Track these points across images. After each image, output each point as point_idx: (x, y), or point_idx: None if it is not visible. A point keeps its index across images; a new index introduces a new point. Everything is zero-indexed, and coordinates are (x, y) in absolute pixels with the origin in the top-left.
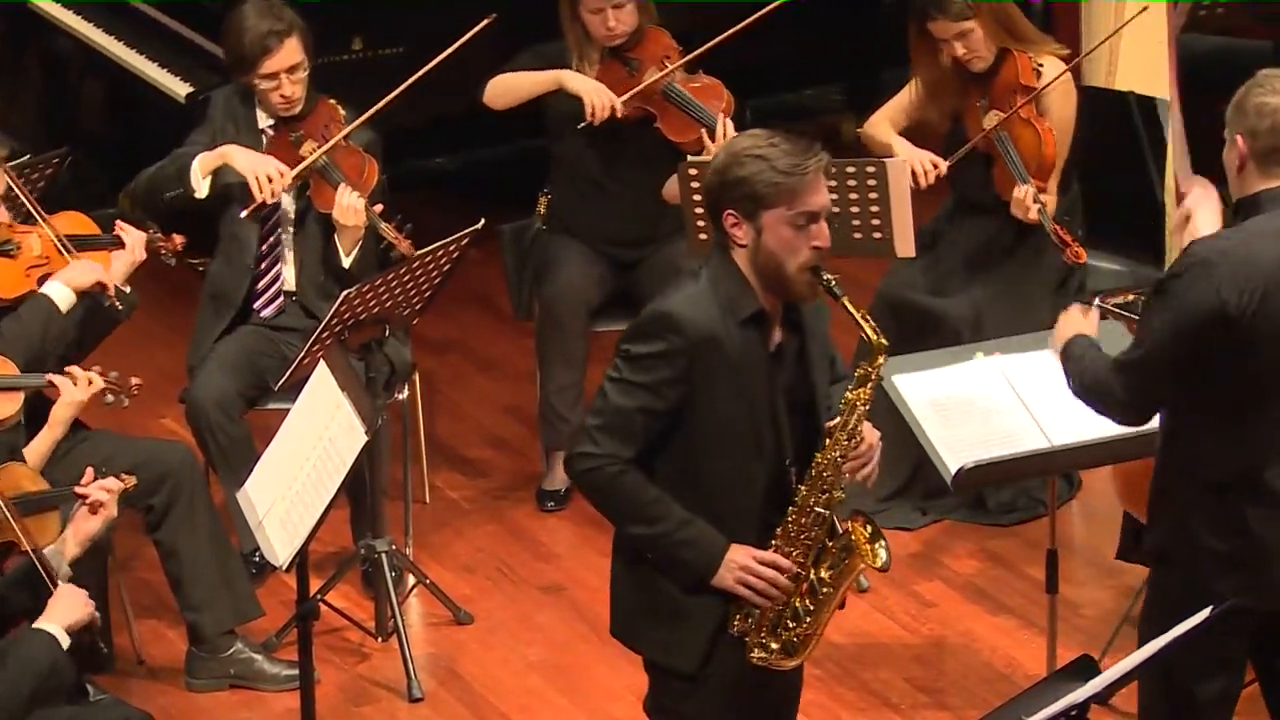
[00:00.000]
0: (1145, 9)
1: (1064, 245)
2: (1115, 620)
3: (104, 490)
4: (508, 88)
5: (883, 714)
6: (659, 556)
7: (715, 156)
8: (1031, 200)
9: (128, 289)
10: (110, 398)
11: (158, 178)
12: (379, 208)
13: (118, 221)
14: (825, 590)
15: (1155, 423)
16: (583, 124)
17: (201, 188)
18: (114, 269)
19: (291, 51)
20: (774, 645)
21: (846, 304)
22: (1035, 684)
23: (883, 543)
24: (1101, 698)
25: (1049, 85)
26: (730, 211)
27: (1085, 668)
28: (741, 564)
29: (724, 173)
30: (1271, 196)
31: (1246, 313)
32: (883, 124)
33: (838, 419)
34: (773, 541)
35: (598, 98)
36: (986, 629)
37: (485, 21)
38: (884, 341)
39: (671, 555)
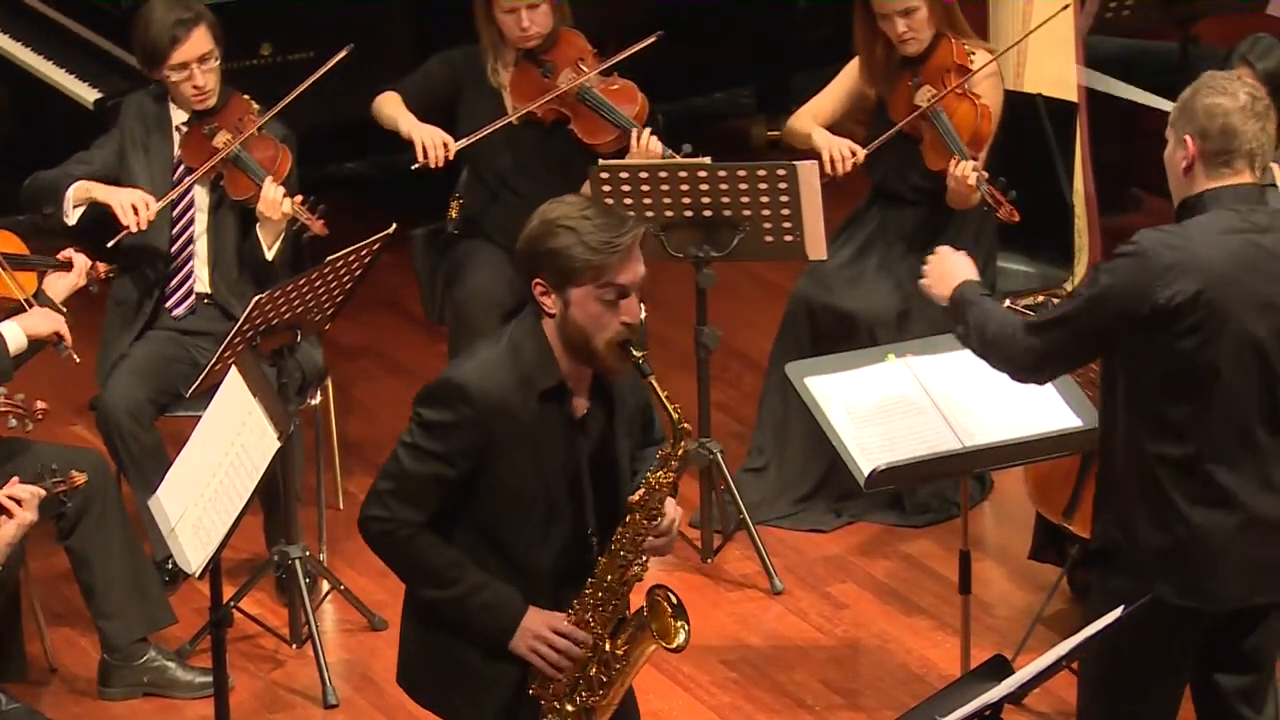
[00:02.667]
0: (1066, 7)
1: (998, 205)
2: (1028, 620)
3: (21, 492)
4: (378, 111)
5: (797, 715)
6: (455, 620)
7: (530, 223)
8: (971, 171)
9: (64, 310)
10: (14, 421)
11: (48, 185)
12: (298, 198)
13: (66, 251)
14: (618, 665)
15: (1086, 421)
16: (416, 165)
17: (73, 216)
18: (55, 289)
19: (200, 40)
20: (569, 708)
21: (653, 383)
22: (949, 684)
23: (684, 623)
24: (1015, 697)
25: (985, 66)
26: (539, 281)
27: (999, 667)
28: (536, 633)
29: (536, 241)
30: (1215, 196)
31: (1180, 308)
32: (804, 117)
33: (639, 494)
34: (570, 609)
35: (428, 142)
36: (901, 630)
37: (341, 54)
38: (686, 427)
39: (467, 620)
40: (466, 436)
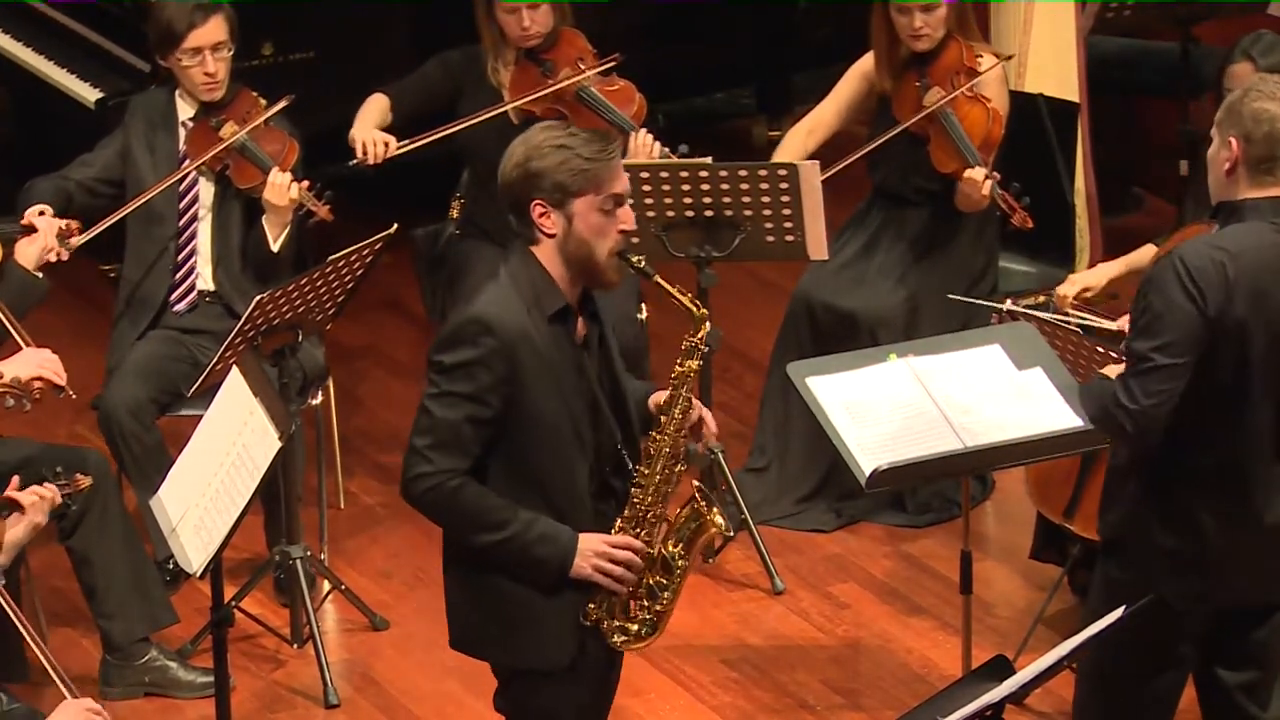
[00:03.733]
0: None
1: (1011, 211)
2: (1029, 620)
3: (31, 494)
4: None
5: (798, 715)
6: (512, 560)
7: (510, 152)
8: (984, 178)
9: (40, 275)
10: (11, 402)
11: (27, 198)
12: (305, 183)
13: (28, 212)
14: (680, 563)
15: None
16: (353, 162)
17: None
18: (26, 254)
19: (217, 28)
20: (632, 627)
21: (660, 280)
22: (951, 684)
23: (718, 508)
24: (1017, 697)
25: (993, 67)
26: (539, 201)
27: (1000, 667)
28: (596, 550)
29: (526, 165)
30: (1255, 206)
31: (1216, 316)
32: (799, 133)
33: (667, 393)
34: (617, 523)
35: (367, 140)
36: (902, 630)
37: (282, 103)
38: (704, 312)
39: (525, 556)
40: (494, 369)
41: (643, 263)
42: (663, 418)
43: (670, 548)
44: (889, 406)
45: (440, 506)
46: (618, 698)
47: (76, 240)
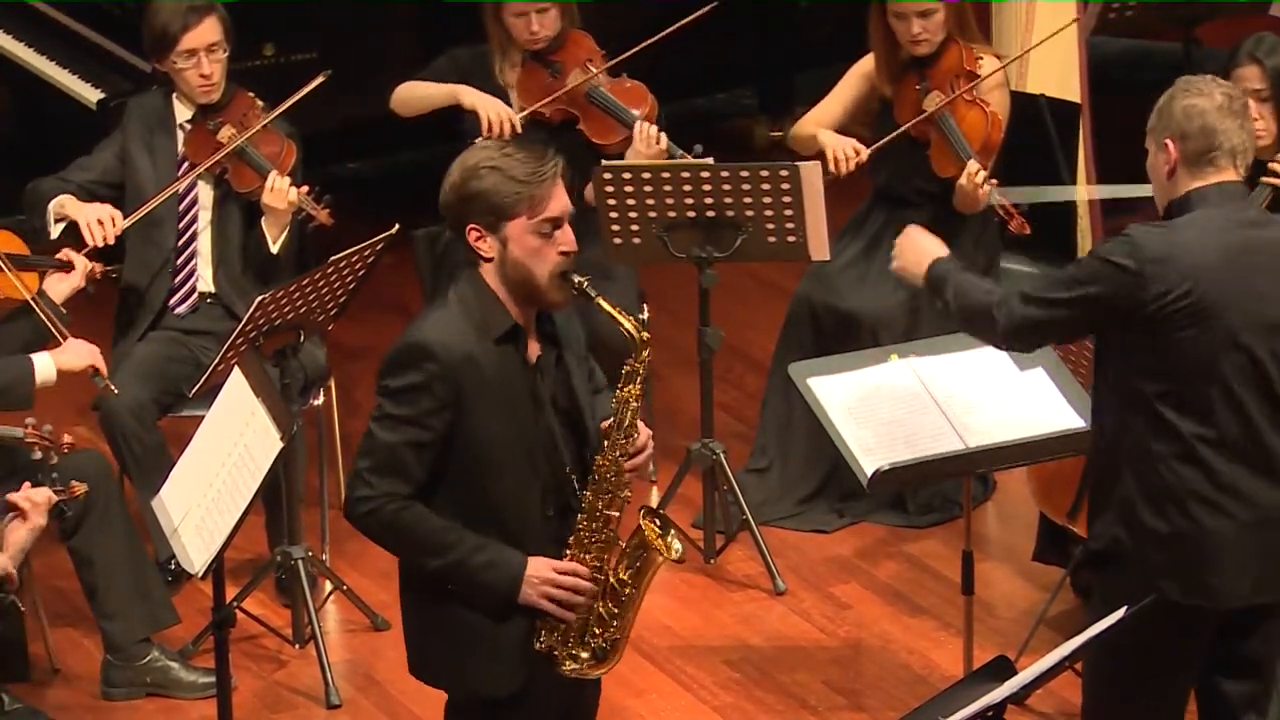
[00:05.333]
0: (1076, 20)
1: (1009, 216)
2: (1031, 621)
3: (30, 499)
4: (408, 98)
5: (800, 716)
6: (459, 585)
7: (450, 174)
8: (980, 177)
9: (64, 310)
10: (39, 454)
11: (37, 196)
12: (304, 188)
13: (65, 249)
14: (628, 591)
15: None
16: (482, 138)
17: (54, 230)
18: (57, 290)
19: (211, 29)
20: (583, 654)
21: (602, 303)
22: (952, 685)
23: (674, 532)
24: (1018, 698)
25: (994, 73)
26: (473, 226)
27: (1002, 668)
28: (543, 577)
29: (461, 189)
30: (1201, 195)
31: (1172, 303)
32: (809, 123)
33: (611, 419)
34: (566, 550)
35: (494, 113)
36: (903, 631)
37: (319, 79)
38: (645, 335)
39: (471, 581)
40: (436, 395)
41: (585, 285)
42: (605, 442)
43: (621, 574)
44: (891, 407)
45: (381, 529)
46: (618, 698)
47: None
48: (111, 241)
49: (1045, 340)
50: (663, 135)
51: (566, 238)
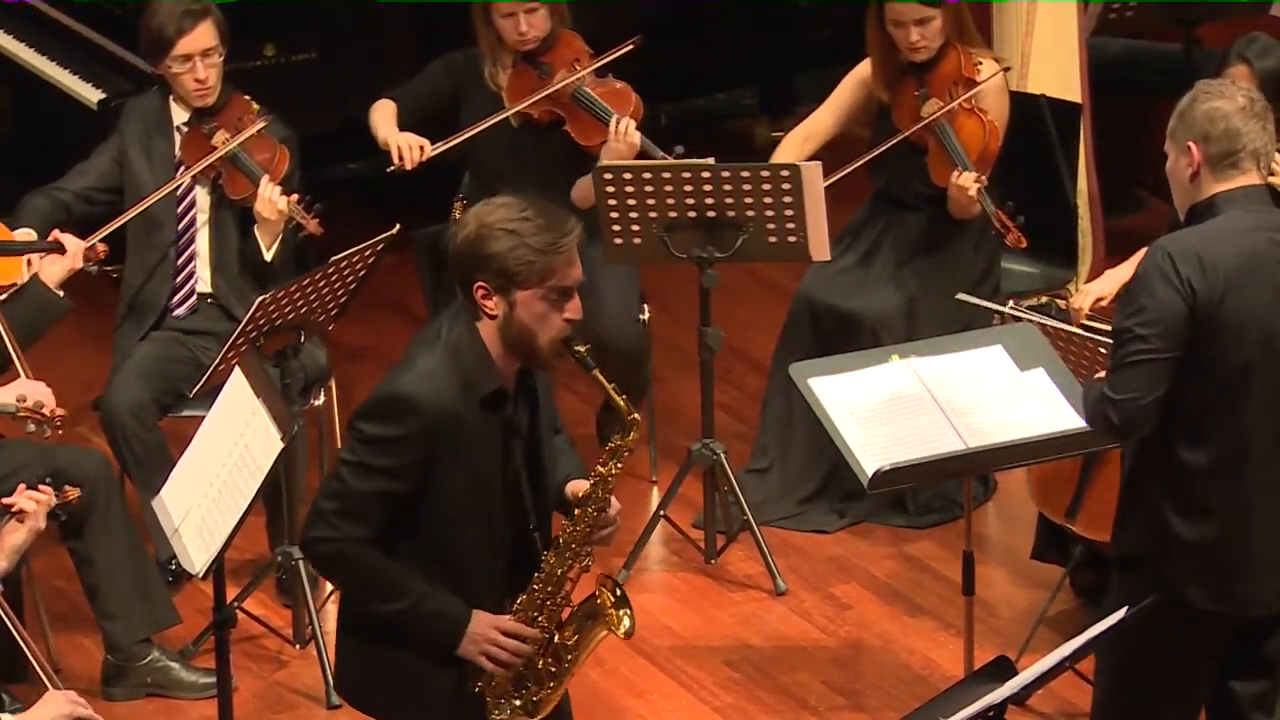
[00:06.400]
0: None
1: (1006, 230)
2: (1031, 621)
3: (30, 500)
4: (370, 121)
5: (800, 716)
6: (403, 630)
7: (463, 222)
8: (973, 183)
9: (60, 293)
10: (32, 426)
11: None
12: (294, 196)
13: (55, 231)
14: (569, 656)
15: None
16: (391, 169)
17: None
18: (50, 273)
19: (206, 34)
20: (516, 702)
21: (598, 375)
22: (953, 685)
23: (628, 610)
24: (1019, 698)
25: (990, 79)
26: (481, 284)
27: (1002, 668)
28: (485, 636)
29: (475, 245)
30: (1228, 198)
31: (1209, 309)
32: (795, 139)
33: (587, 488)
34: (515, 606)
35: (403, 146)
36: (903, 631)
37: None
38: (636, 417)
39: (415, 629)
40: (413, 449)
41: (585, 354)
42: (577, 511)
43: (566, 637)
44: (891, 407)
45: (339, 570)
46: (618, 698)
47: (98, 259)
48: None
49: (1153, 398)
50: (637, 133)
51: (574, 306)
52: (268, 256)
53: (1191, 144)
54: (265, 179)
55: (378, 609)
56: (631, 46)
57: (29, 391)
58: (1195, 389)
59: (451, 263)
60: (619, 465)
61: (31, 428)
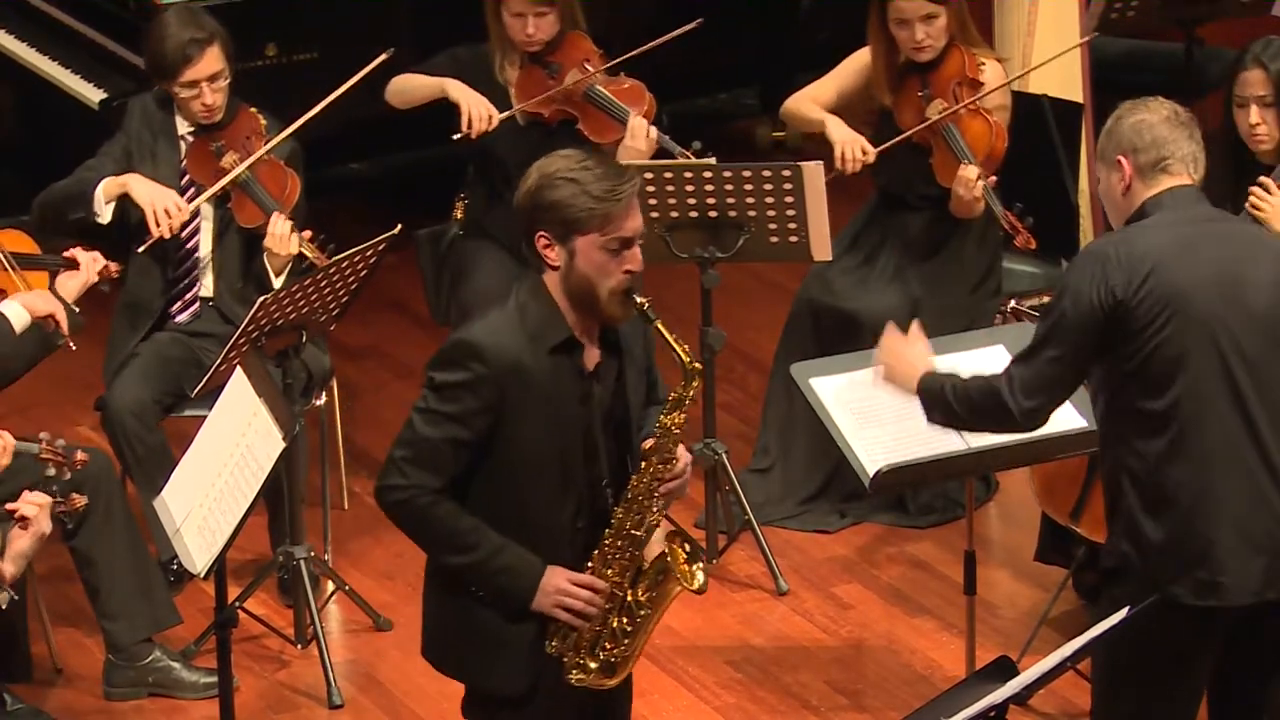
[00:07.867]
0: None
1: (1015, 231)
2: (1033, 621)
3: (33, 505)
4: (401, 89)
5: (802, 716)
6: (476, 584)
7: (526, 175)
8: (976, 178)
9: (77, 309)
10: (52, 470)
11: (66, 195)
12: (307, 234)
13: (72, 249)
14: (642, 612)
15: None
16: (458, 135)
17: (105, 213)
18: (66, 288)
19: (213, 60)
20: (592, 665)
21: (660, 327)
22: (954, 685)
23: (700, 565)
24: (1020, 698)
25: (1003, 86)
26: (543, 234)
27: (1004, 668)
28: (558, 587)
29: (536, 195)
30: (1156, 201)
31: (1137, 296)
32: (806, 100)
33: (652, 441)
34: (589, 563)
35: (475, 109)
36: (905, 631)
37: (382, 56)
38: (698, 365)
39: (488, 583)
40: (481, 395)
41: (647, 306)
42: (643, 464)
43: (639, 594)
44: (893, 407)
45: (409, 520)
46: None
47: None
48: (176, 232)
49: (1055, 392)
50: (655, 130)
51: (635, 257)
52: (276, 284)
53: (1121, 158)
54: (277, 215)
55: (449, 561)
56: (695, 26)
57: (43, 300)
58: (1142, 381)
59: (516, 216)
60: (682, 414)
61: (51, 471)
